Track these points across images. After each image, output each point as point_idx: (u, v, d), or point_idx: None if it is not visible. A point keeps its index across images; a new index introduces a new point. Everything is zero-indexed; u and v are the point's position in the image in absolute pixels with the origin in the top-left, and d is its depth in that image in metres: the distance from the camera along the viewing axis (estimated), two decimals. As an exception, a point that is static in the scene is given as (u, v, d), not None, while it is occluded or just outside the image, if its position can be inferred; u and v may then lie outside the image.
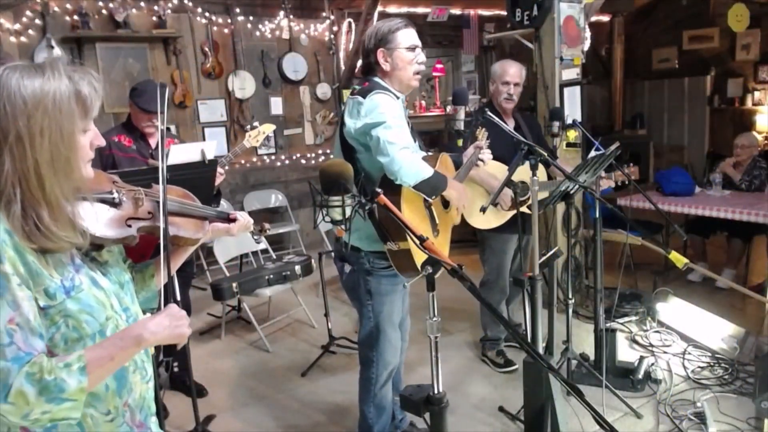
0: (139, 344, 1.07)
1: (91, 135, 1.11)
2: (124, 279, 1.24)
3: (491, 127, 2.52)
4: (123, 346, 1.06)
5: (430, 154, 2.44)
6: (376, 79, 2.24)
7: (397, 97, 2.22)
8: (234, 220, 1.46)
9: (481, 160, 2.53)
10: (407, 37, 2.22)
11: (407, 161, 2.03)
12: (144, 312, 1.29)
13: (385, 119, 2.06)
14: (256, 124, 3.23)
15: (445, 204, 2.42)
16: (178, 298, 1.24)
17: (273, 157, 6.00)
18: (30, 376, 0.95)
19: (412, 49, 2.22)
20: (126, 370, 1.16)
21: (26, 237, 1.01)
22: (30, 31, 4.59)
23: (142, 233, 1.22)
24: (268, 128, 3.22)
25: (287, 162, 6.09)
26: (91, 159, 1.12)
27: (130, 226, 1.18)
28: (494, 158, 2.98)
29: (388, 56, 2.21)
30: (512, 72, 3.22)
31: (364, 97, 2.13)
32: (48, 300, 1.03)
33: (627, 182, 3.20)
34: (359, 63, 5.58)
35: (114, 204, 1.18)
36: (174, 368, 3.33)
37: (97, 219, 1.13)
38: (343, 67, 5.94)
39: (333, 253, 2.47)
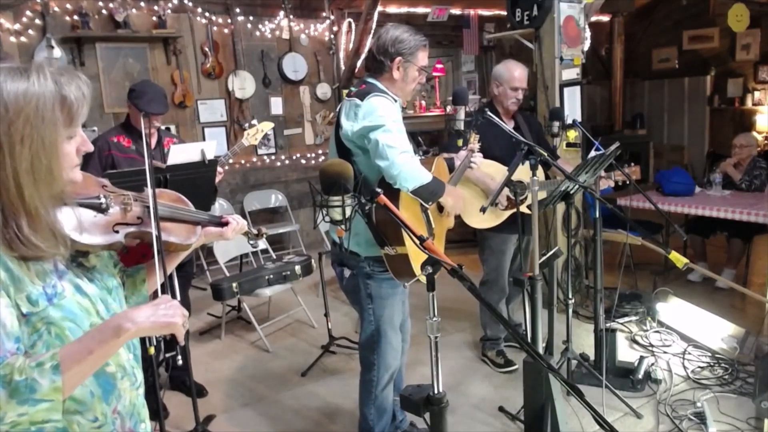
0: (119, 335, 1.01)
1: (78, 141, 1.06)
2: (113, 284, 1.20)
3: (491, 127, 2.52)
4: (102, 339, 1.00)
5: (425, 157, 2.45)
6: (376, 81, 2.24)
7: (395, 100, 2.23)
8: (226, 224, 1.44)
9: (474, 163, 2.53)
10: (424, 57, 2.28)
11: (407, 165, 2.03)
12: None
13: (384, 122, 2.05)
14: (254, 122, 3.22)
15: (440, 208, 2.43)
16: (178, 298, 1.23)
17: (273, 157, 6.00)
18: (1, 378, 0.90)
19: (422, 69, 2.27)
20: (113, 376, 1.13)
21: (6, 245, 0.98)
22: (30, 31, 4.60)
23: (131, 239, 1.19)
24: (266, 126, 3.20)
25: (287, 162, 6.09)
26: (78, 164, 1.08)
27: (117, 231, 1.16)
28: (494, 159, 2.98)
29: (402, 67, 2.22)
30: (521, 77, 3.20)
31: (361, 100, 2.13)
32: (30, 306, 0.99)
33: (627, 182, 3.21)
34: (359, 63, 5.65)
35: (101, 209, 1.15)
36: (177, 361, 3.20)
37: (83, 225, 1.10)
38: (343, 67, 5.94)
39: (331, 257, 2.47)
